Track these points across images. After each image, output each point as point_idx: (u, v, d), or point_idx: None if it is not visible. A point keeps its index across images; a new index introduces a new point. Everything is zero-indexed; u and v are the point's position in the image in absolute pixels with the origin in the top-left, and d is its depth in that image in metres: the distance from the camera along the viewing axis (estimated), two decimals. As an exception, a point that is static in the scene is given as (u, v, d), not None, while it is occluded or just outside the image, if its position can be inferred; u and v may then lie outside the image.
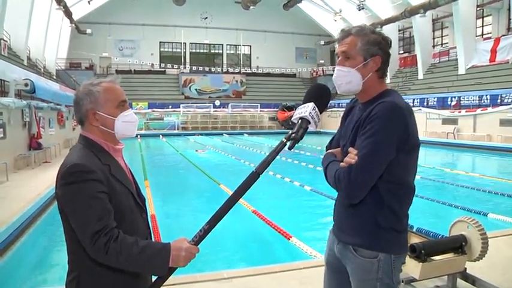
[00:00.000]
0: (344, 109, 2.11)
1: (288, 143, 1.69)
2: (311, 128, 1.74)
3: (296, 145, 1.72)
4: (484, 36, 27.80)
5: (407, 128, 1.72)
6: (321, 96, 1.80)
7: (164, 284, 1.60)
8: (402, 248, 1.87)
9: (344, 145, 1.92)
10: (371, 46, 1.78)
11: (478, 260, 3.25)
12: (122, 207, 1.60)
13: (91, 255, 1.49)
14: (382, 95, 1.81)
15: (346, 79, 1.81)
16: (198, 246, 1.59)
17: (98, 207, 1.48)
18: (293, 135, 1.70)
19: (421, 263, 2.99)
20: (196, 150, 19.39)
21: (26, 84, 13.37)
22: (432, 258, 3.10)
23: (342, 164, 1.78)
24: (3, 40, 18.25)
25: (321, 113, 1.76)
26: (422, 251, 2.99)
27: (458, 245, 3.23)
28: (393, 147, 1.70)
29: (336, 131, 2.10)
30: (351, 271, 1.88)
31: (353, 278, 1.88)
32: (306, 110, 1.73)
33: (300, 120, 1.73)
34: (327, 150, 2.09)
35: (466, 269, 3.31)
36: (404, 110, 1.72)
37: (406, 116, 1.72)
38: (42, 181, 9.26)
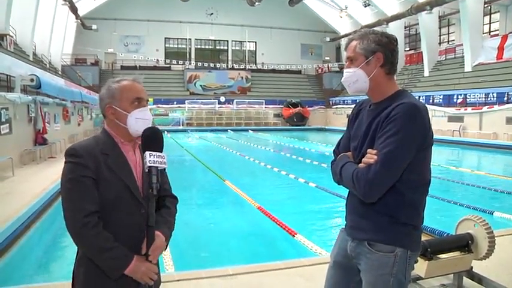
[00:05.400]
0: (350, 107, 2.10)
1: (155, 192, 1.68)
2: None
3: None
4: (491, 33, 27.63)
5: (426, 127, 1.76)
6: (149, 145, 1.74)
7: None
8: (418, 246, 1.90)
9: (356, 146, 1.92)
10: (370, 44, 1.85)
11: (485, 259, 3.22)
12: (110, 197, 1.68)
13: (68, 230, 1.63)
14: (398, 96, 1.84)
15: (353, 79, 1.90)
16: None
17: (79, 190, 1.62)
18: (154, 185, 1.68)
19: (427, 261, 2.98)
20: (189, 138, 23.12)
21: (32, 80, 13.37)
22: (438, 256, 3.08)
23: (360, 164, 1.79)
24: (9, 36, 18.33)
25: (161, 151, 1.74)
26: (429, 249, 2.98)
27: (464, 244, 3.21)
28: (413, 148, 1.73)
29: (340, 128, 2.09)
30: (365, 267, 1.87)
31: (366, 274, 1.87)
32: (146, 160, 1.69)
33: (149, 170, 1.70)
34: (334, 154, 2.09)
35: (472, 267, 3.29)
36: (422, 110, 1.75)
37: (425, 116, 1.76)
38: (48, 176, 9.28)
